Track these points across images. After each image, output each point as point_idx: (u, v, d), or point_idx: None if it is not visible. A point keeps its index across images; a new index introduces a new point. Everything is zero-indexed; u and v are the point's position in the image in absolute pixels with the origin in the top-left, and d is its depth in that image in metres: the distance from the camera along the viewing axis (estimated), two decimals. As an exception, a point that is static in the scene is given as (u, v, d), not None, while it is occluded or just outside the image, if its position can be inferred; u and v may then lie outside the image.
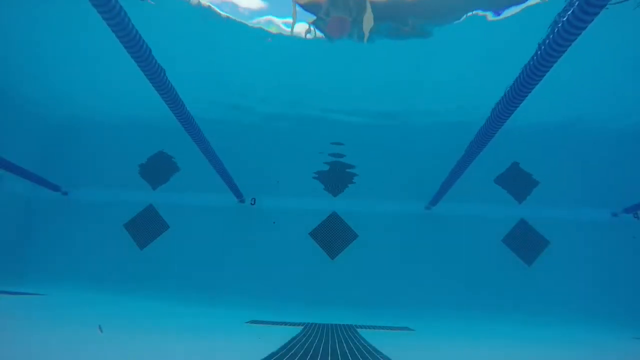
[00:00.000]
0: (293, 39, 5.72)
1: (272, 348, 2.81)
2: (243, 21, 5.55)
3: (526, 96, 2.89)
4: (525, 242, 6.68)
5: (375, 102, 7.03)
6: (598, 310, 6.00)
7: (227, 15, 5.48)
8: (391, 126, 7.47)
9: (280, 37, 5.70)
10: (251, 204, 7.10)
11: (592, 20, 2.04)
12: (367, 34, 5.37)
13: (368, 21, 5.11)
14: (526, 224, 6.81)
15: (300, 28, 5.59)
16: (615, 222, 6.71)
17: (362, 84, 6.69)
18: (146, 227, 7.03)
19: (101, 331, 3.01)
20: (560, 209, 6.87)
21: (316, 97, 7.10)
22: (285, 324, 4.75)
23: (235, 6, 5.40)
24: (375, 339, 3.70)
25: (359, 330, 4.47)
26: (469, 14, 5.09)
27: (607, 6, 2.01)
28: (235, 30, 5.64)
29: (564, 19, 2.10)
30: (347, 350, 2.92)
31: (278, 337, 3.38)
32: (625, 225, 6.67)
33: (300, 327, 4.35)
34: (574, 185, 7.04)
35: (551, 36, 2.26)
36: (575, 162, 7.20)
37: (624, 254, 6.47)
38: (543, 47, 2.36)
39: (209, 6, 5.32)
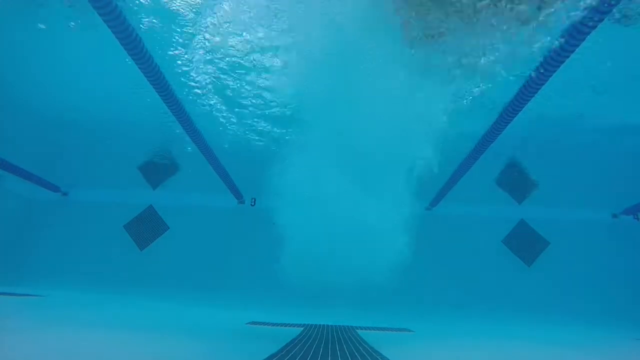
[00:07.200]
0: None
1: (272, 349, 2.81)
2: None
3: (531, 98, 2.85)
4: (525, 242, 6.67)
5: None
6: (598, 311, 6.00)
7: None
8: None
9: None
10: (251, 204, 7.09)
11: None
12: None
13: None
14: (526, 224, 6.80)
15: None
16: (615, 224, 6.71)
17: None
18: (146, 227, 7.02)
19: None
20: (561, 209, 6.87)
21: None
22: (286, 325, 4.75)
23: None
24: (375, 340, 3.70)
25: (358, 331, 4.47)
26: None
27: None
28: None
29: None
30: (347, 352, 2.92)
31: (278, 338, 3.38)
32: (625, 227, 6.67)
33: (301, 328, 4.35)
34: (574, 186, 7.03)
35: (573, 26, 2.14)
36: (575, 163, 7.19)
37: (623, 254, 6.47)
38: (563, 38, 2.25)
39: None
